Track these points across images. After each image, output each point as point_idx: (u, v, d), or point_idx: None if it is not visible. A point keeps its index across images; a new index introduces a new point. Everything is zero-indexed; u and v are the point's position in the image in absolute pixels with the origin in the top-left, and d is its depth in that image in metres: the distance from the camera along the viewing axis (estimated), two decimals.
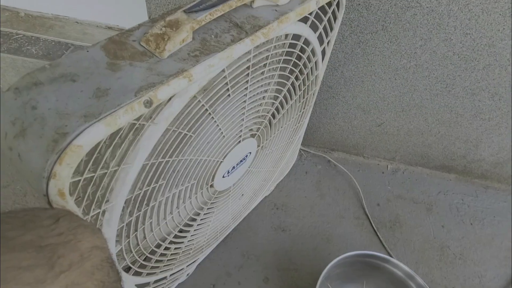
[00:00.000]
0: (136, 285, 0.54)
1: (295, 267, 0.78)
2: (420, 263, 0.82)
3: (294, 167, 0.97)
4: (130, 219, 0.40)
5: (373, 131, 0.96)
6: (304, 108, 0.72)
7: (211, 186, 0.57)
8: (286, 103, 0.63)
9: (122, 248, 0.41)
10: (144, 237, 0.47)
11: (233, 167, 0.59)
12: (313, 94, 0.73)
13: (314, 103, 0.75)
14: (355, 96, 0.88)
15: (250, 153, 0.62)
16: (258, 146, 0.65)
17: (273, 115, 0.63)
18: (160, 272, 0.60)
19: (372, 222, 0.88)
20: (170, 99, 0.34)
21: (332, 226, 0.86)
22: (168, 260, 0.59)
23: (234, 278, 0.75)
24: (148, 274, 0.55)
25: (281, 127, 0.68)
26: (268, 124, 0.64)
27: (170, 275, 0.65)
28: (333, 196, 0.93)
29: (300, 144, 0.89)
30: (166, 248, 0.57)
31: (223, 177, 0.58)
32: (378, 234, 0.85)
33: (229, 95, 0.44)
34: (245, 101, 0.49)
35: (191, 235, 0.63)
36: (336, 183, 0.96)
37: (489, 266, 0.83)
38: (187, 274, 0.73)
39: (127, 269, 0.50)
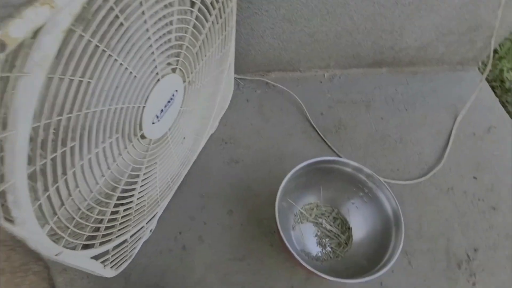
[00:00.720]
0: (92, 257, 0.51)
1: (254, 193, 0.79)
2: (367, 157, 0.88)
3: (233, 98, 0.93)
4: (47, 193, 0.34)
5: (304, 42, 0.93)
6: (225, 30, 0.65)
7: (142, 136, 0.52)
8: (202, 27, 0.56)
9: (52, 227, 0.37)
10: (79, 208, 0.42)
11: (162, 110, 0.54)
12: (231, 12, 0.66)
13: (238, 24, 0.69)
14: (278, 7, 0.82)
15: (177, 91, 0.56)
16: (184, 81, 0.59)
17: (192, 44, 0.56)
18: (117, 237, 0.56)
19: (318, 131, 0.90)
20: (35, 37, 0.26)
21: (282, 145, 0.87)
22: (121, 223, 0.56)
23: (198, 220, 0.75)
24: (102, 243, 0.52)
25: (205, 56, 0.62)
26: (188, 55, 0.57)
27: (130, 236, 0.63)
28: (278, 117, 0.92)
29: (233, 73, 0.84)
30: (114, 212, 0.53)
31: (153, 123, 0.53)
32: (326, 140, 0.88)
33: (121, 24, 0.36)
34: (147, 30, 0.42)
35: (139, 192, 0.59)
36: (278, 104, 0.95)
37: (425, 143, 0.92)
38: (150, 230, 0.71)
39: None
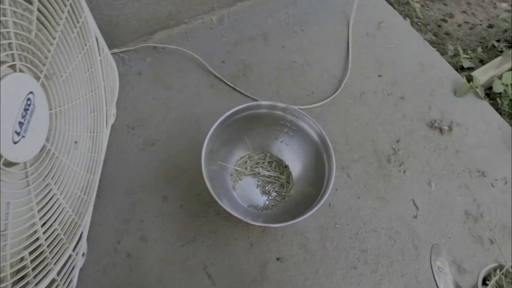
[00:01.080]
0: None
1: (182, 169, 0.73)
2: (281, 90, 0.85)
3: (123, 76, 0.81)
4: None
5: None
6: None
7: (9, 163, 0.41)
8: (30, 2, 0.43)
9: None
10: None
11: (21, 123, 0.42)
12: None
13: None
14: None
15: (33, 92, 0.45)
16: (39, 78, 0.47)
17: (27, 29, 0.44)
18: (37, 284, 0.47)
19: (225, 81, 0.84)
20: None
21: (193, 109, 0.80)
22: (34, 268, 0.47)
23: (133, 220, 0.67)
24: None
25: (55, 39, 0.49)
26: (28, 44, 0.44)
27: (58, 274, 0.54)
28: (179, 80, 0.83)
29: (107, 47, 0.71)
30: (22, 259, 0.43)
31: (16, 142, 0.42)
32: (236, 88, 0.83)
33: None
34: None
35: (42, 225, 0.49)
36: (174, 66, 0.85)
37: (328, 58, 0.92)
38: (83, 254, 0.62)
39: None
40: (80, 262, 0.61)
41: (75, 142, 0.59)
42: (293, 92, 0.85)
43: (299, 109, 0.78)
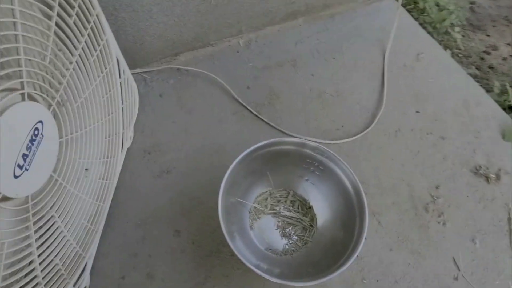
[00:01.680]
0: None
1: (198, 201, 0.68)
2: (309, 121, 0.80)
3: (143, 97, 0.78)
4: None
5: (203, 11, 0.78)
6: (90, 20, 0.50)
7: (5, 198, 0.37)
8: (48, 20, 0.40)
9: None
10: None
11: (25, 155, 0.39)
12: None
13: (116, 9, 0.53)
14: None
15: (42, 122, 0.41)
16: (50, 105, 0.43)
17: (42, 56, 0.41)
18: None
19: (249, 108, 0.79)
20: None
21: (215, 137, 0.75)
22: None
23: (141, 255, 0.62)
24: None
25: (72, 63, 0.46)
26: (40, 70, 0.41)
27: None
28: (201, 105, 0.79)
29: (128, 68, 0.68)
30: None
31: (18, 176, 0.38)
32: (261, 116, 0.78)
33: None
34: None
35: (41, 263, 0.45)
36: (197, 89, 0.82)
37: (362, 88, 0.86)
38: None
39: None
40: None
41: (86, 169, 0.55)
42: (322, 125, 0.79)
43: (327, 143, 0.72)
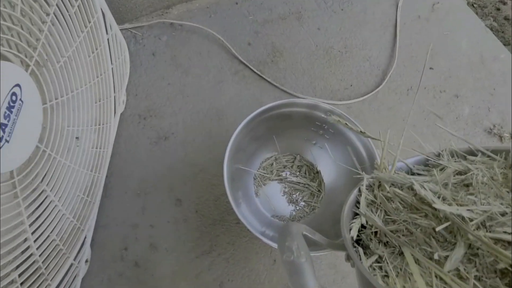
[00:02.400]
0: None
1: (199, 168, 0.64)
2: (315, 80, 0.74)
3: (135, 57, 0.71)
4: None
5: None
6: None
7: None
8: None
9: None
10: None
11: (3, 125, 0.34)
12: None
13: None
14: None
15: (19, 85, 0.35)
16: (28, 66, 0.37)
17: (12, 5, 0.34)
18: None
19: (251, 67, 0.73)
20: None
21: (215, 99, 0.70)
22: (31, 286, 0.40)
23: (143, 225, 0.60)
24: None
25: (49, 15, 0.39)
26: (12, 22, 0.35)
27: (57, 286, 0.47)
28: (198, 64, 0.73)
29: (116, 24, 0.60)
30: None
31: None
32: (263, 76, 0.72)
33: None
34: None
35: (36, 240, 0.41)
36: (193, 47, 0.75)
37: (372, 43, 0.79)
38: (86, 261, 0.56)
39: None
40: (83, 270, 0.55)
41: (77, 138, 0.51)
42: (330, 84, 0.73)
43: (335, 104, 0.67)
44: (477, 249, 0.26)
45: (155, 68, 0.71)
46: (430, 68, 0.77)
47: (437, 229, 0.27)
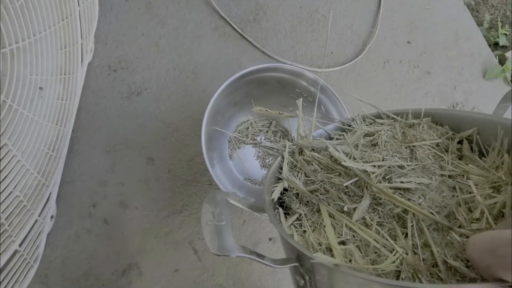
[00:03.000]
0: None
1: (173, 127, 0.62)
2: (297, 44, 0.72)
3: (105, 1, 0.64)
4: None
5: None
6: None
7: None
8: None
9: None
10: None
11: None
12: None
13: None
14: None
15: None
16: None
17: None
18: None
19: (232, 24, 0.69)
20: None
21: (192, 55, 0.66)
22: None
23: (112, 183, 0.58)
24: None
25: None
26: None
27: (20, 244, 0.46)
28: (176, 16, 0.68)
29: None
30: None
31: None
32: (244, 35, 0.69)
33: None
34: None
35: None
36: None
37: (356, 11, 0.77)
38: (51, 217, 0.54)
39: None
40: (48, 226, 0.53)
41: (40, 88, 0.46)
42: (310, 50, 0.72)
43: (315, 71, 0.67)
44: (380, 199, 0.29)
45: (127, 15, 0.65)
46: (408, 42, 0.78)
47: (345, 184, 0.30)
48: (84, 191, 0.57)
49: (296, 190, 0.34)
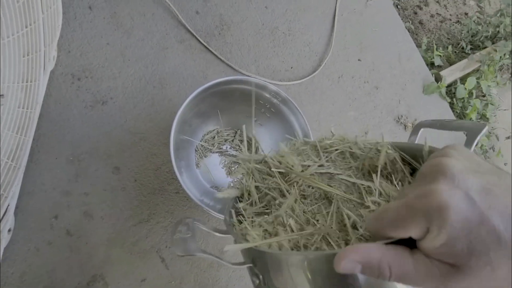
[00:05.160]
0: None
1: (140, 136, 0.63)
2: (259, 59, 0.77)
3: (67, 8, 0.63)
4: None
5: None
6: None
7: None
8: None
9: None
10: None
11: None
12: None
13: None
14: None
15: None
16: None
17: None
18: None
19: (198, 37, 0.72)
20: None
21: (158, 66, 0.68)
22: None
23: (76, 193, 0.57)
24: None
25: None
26: None
27: None
28: (142, 27, 0.69)
29: None
30: None
31: None
32: (209, 48, 0.72)
33: None
34: None
35: None
36: (137, 6, 0.70)
37: (313, 29, 0.84)
38: (9, 230, 0.52)
39: None
40: (5, 239, 0.51)
41: (2, 95, 0.45)
42: (272, 64, 0.77)
43: (276, 84, 0.71)
44: (303, 187, 0.35)
45: (92, 24, 0.65)
46: (359, 60, 0.87)
47: (273, 170, 0.36)
48: (45, 202, 0.55)
49: (250, 196, 0.38)
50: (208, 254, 0.33)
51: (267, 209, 0.36)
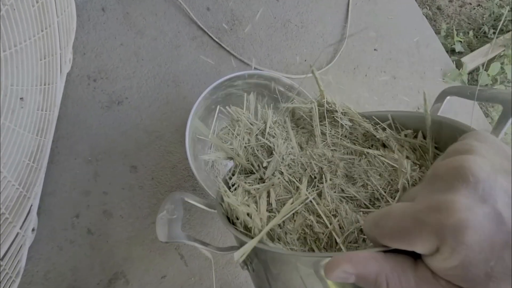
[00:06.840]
0: None
1: (156, 134, 0.63)
2: (271, 52, 0.75)
3: (81, 11, 0.64)
4: None
5: None
6: None
7: None
8: None
9: None
10: None
11: None
12: None
13: None
14: None
15: None
16: None
17: None
18: None
19: (210, 34, 0.71)
20: None
21: (172, 64, 0.68)
22: None
23: (95, 192, 0.58)
24: None
25: None
26: None
27: (2, 258, 0.45)
28: (154, 26, 0.69)
29: None
30: None
31: None
32: (222, 44, 0.71)
33: None
34: None
35: None
36: (148, 6, 0.70)
37: (326, 20, 0.82)
38: (33, 230, 0.53)
39: None
40: (29, 239, 0.52)
41: (21, 99, 0.46)
42: (286, 58, 0.76)
43: (291, 78, 0.70)
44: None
45: (105, 25, 0.65)
46: (375, 50, 0.84)
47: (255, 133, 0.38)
48: (66, 202, 0.56)
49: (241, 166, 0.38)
50: (193, 241, 0.33)
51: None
